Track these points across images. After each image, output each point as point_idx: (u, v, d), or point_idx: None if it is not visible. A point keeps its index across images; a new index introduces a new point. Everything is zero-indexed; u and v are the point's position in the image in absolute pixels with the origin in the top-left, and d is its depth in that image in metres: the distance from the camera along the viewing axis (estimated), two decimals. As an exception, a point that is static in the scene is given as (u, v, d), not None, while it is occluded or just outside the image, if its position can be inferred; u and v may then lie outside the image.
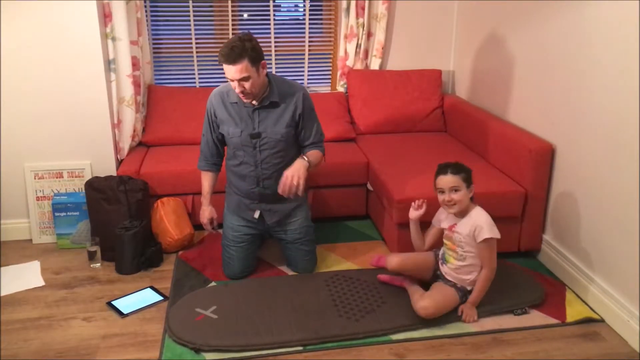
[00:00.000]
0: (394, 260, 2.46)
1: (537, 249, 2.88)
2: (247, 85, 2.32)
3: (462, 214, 2.35)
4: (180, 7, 3.61)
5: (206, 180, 2.72)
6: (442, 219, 2.45)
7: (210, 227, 2.75)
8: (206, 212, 2.73)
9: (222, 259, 2.73)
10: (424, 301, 2.30)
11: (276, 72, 3.87)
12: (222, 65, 2.31)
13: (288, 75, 3.89)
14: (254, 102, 2.45)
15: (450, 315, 2.36)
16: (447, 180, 2.32)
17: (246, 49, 2.26)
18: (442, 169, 2.36)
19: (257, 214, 2.64)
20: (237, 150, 2.56)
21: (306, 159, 2.47)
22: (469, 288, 2.38)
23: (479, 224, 2.29)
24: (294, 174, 2.38)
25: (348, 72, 3.77)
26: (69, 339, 2.27)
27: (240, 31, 3.57)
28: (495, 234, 2.30)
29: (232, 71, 2.28)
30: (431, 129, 3.71)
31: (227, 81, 2.43)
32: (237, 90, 2.35)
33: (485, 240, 2.28)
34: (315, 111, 2.60)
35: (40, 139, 3.01)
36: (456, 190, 2.31)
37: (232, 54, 2.25)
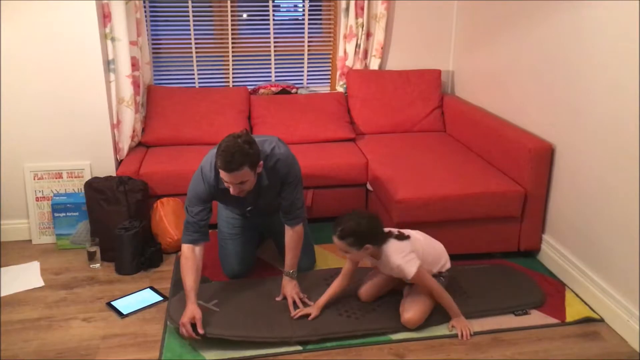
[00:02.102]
0: (361, 292, 2.43)
1: (537, 248, 2.88)
2: (244, 187, 2.23)
3: (375, 256, 2.24)
4: (180, 7, 3.61)
5: (191, 264, 2.30)
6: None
7: (189, 329, 2.16)
8: (188, 313, 2.18)
9: (220, 257, 2.74)
10: (407, 314, 2.28)
11: (276, 72, 3.87)
12: (218, 165, 2.16)
13: (288, 75, 3.90)
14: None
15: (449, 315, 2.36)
16: (335, 241, 2.17)
17: (247, 155, 2.14)
18: (333, 227, 2.16)
19: (248, 214, 2.68)
20: (226, 205, 2.64)
21: (295, 275, 2.48)
22: (435, 271, 2.34)
23: (395, 266, 2.17)
24: (293, 295, 2.41)
25: (347, 72, 3.77)
26: (68, 339, 2.27)
27: (240, 31, 3.55)
28: (415, 266, 2.16)
29: (230, 178, 2.16)
30: (430, 129, 3.71)
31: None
32: (232, 191, 2.21)
33: (414, 277, 2.19)
34: (297, 180, 2.45)
35: (39, 139, 3.01)
36: (346, 252, 2.19)
37: (234, 163, 2.11)
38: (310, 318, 2.31)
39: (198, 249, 2.35)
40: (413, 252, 2.21)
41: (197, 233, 2.35)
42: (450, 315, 2.32)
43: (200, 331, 2.16)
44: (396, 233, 2.26)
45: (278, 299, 2.47)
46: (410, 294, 2.35)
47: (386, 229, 2.26)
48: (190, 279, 2.27)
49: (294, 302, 2.40)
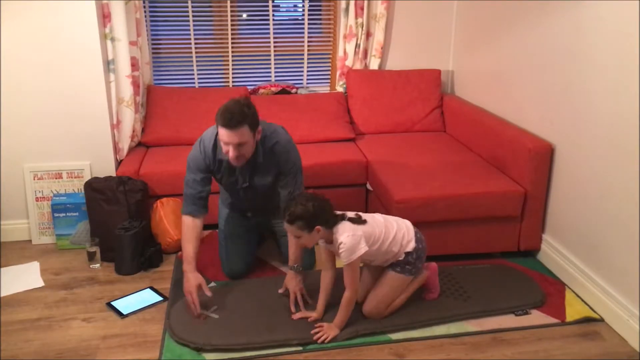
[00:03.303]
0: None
1: (537, 248, 2.88)
2: (242, 150, 2.27)
3: (328, 240, 2.21)
4: (179, 7, 3.61)
5: (191, 236, 2.41)
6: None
7: (197, 297, 2.31)
8: (192, 280, 2.33)
9: (220, 257, 2.74)
10: (366, 306, 2.30)
11: (275, 72, 3.87)
12: (218, 127, 2.24)
13: (287, 75, 3.90)
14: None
15: (450, 315, 2.36)
16: (286, 227, 2.17)
17: (247, 115, 2.21)
18: (282, 213, 2.16)
19: (249, 213, 2.70)
20: (225, 189, 2.63)
21: (300, 268, 2.48)
22: (397, 260, 2.28)
23: (338, 244, 2.15)
24: (296, 290, 2.42)
25: (347, 72, 3.77)
26: (68, 339, 2.27)
27: (239, 31, 3.56)
28: (354, 256, 2.13)
29: (231, 136, 2.21)
30: (430, 128, 3.71)
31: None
32: (232, 154, 2.26)
33: (346, 266, 2.16)
34: (297, 163, 2.51)
35: (39, 139, 3.01)
36: (298, 237, 2.17)
37: (234, 120, 2.18)
38: (311, 319, 2.31)
39: (198, 220, 2.44)
40: (363, 239, 2.14)
41: (195, 205, 2.43)
42: (334, 321, 2.25)
43: (208, 293, 2.31)
44: (351, 216, 2.21)
45: (280, 291, 2.48)
46: (375, 287, 2.33)
47: (340, 212, 2.22)
48: (190, 248, 2.39)
49: (296, 300, 2.40)
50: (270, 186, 2.52)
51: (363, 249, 2.14)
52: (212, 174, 2.49)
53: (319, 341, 2.21)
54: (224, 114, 2.20)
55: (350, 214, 2.23)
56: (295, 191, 2.47)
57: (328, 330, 2.24)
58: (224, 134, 2.23)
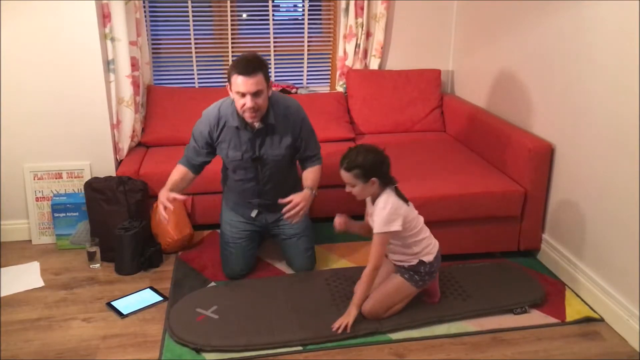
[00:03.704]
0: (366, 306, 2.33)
1: (537, 248, 2.88)
2: (259, 100, 2.32)
3: (373, 199, 2.24)
4: (179, 7, 3.61)
5: (179, 174, 2.54)
6: (368, 206, 2.32)
7: (169, 205, 2.36)
8: (162, 193, 2.42)
9: (221, 258, 2.73)
10: (365, 305, 2.29)
11: (275, 72, 3.87)
12: (233, 79, 2.28)
13: (287, 75, 3.89)
14: (255, 123, 2.44)
15: (450, 315, 2.36)
16: (342, 174, 2.21)
17: (263, 63, 2.32)
18: (341, 161, 2.22)
19: (254, 213, 2.66)
20: (237, 169, 2.58)
21: (313, 190, 2.51)
22: (410, 264, 2.29)
23: (376, 211, 2.17)
24: (301, 202, 2.44)
25: (347, 72, 3.77)
26: (68, 339, 2.27)
27: (239, 31, 3.56)
28: (386, 228, 2.15)
29: (248, 84, 2.27)
30: (430, 128, 3.71)
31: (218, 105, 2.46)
32: (248, 104, 2.30)
33: (375, 235, 2.18)
34: (311, 125, 2.61)
35: (39, 139, 3.01)
36: (352, 186, 2.21)
37: (250, 66, 2.26)
38: (352, 320, 2.24)
39: (190, 173, 2.58)
40: (401, 218, 2.16)
41: (188, 163, 2.57)
42: (352, 301, 2.26)
43: (180, 197, 2.39)
44: (397, 186, 2.24)
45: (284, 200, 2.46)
46: (379, 288, 2.33)
47: (393, 176, 2.25)
48: (176, 176, 2.52)
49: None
50: (281, 161, 2.53)
51: (397, 226, 2.16)
52: (216, 145, 2.52)
53: (339, 331, 2.21)
54: (240, 62, 2.28)
55: (398, 184, 2.25)
56: (318, 153, 2.58)
57: (344, 318, 2.24)
58: (240, 83, 2.27)
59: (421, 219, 2.32)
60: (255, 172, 2.56)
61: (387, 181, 2.21)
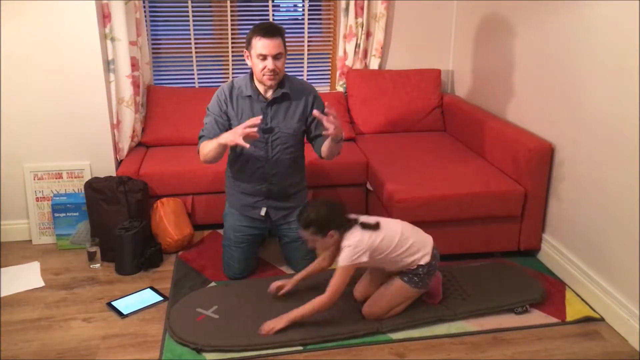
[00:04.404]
0: (356, 293, 2.40)
1: (537, 248, 2.89)
2: (279, 64, 2.39)
3: (338, 246, 2.21)
4: (179, 7, 3.61)
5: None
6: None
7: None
8: (230, 131, 2.41)
9: (223, 259, 2.73)
10: (365, 308, 2.31)
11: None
12: (255, 41, 2.36)
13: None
14: (270, 91, 2.48)
15: (450, 315, 2.37)
16: (300, 233, 2.25)
17: (281, 30, 2.41)
18: (296, 220, 2.28)
19: (263, 211, 2.64)
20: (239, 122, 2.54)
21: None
22: (411, 268, 2.26)
23: (340, 251, 2.16)
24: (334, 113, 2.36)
25: (347, 72, 3.76)
26: (68, 339, 2.27)
27: (239, 31, 3.56)
28: (349, 262, 2.12)
29: (270, 46, 2.35)
30: (430, 128, 3.71)
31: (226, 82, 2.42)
32: (269, 66, 2.37)
33: (340, 267, 2.16)
34: (324, 104, 2.58)
35: (39, 139, 3.01)
36: (313, 242, 2.22)
37: (273, 29, 2.37)
38: (283, 291, 2.40)
39: None
40: (367, 251, 2.14)
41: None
42: (289, 313, 2.23)
43: (255, 122, 2.28)
44: (364, 221, 2.20)
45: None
46: (380, 290, 2.32)
47: (353, 216, 2.22)
48: (211, 142, 2.45)
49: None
50: (291, 136, 2.53)
51: (363, 258, 2.14)
52: (231, 111, 2.52)
53: (262, 334, 2.20)
54: (261, 26, 2.38)
55: (361, 218, 2.22)
56: None
57: (272, 323, 2.22)
58: (262, 45, 2.35)
59: (398, 228, 2.24)
60: (265, 149, 2.53)
61: (347, 227, 2.18)
